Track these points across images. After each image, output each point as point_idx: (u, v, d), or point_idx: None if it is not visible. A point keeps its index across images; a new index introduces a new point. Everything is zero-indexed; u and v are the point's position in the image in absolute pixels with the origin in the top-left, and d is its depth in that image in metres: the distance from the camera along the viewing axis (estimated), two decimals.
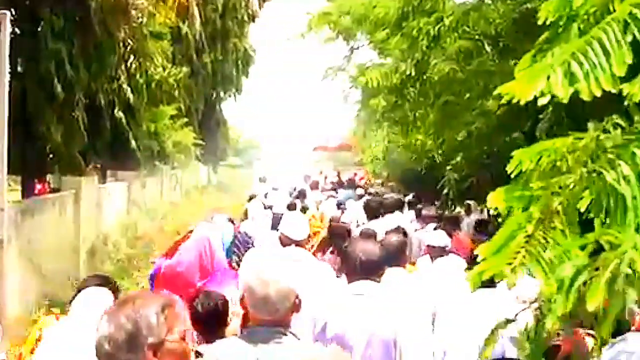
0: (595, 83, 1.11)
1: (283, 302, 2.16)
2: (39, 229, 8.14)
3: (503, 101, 1.17)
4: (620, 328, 2.41)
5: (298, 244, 4.45)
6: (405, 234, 5.80)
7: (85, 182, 10.09)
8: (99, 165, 13.68)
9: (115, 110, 12.67)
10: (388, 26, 6.49)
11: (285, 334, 2.16)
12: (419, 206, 10.26)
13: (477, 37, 5.66)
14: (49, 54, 8.71)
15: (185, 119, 18.62)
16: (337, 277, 4.40)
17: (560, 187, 1.20)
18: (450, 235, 5.97)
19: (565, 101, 1.12)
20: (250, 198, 11.16)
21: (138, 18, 11.35)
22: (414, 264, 5.60)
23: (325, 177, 21.39)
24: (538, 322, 1.41)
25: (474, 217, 9.24)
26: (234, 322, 3.37)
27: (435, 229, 6.75)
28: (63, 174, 10.25)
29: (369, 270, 3.01)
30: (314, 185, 15.38)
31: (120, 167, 14.18)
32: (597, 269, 1.04)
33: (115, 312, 1.64)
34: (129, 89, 12.68)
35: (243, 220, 8.89)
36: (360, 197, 12.66)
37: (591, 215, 1.16)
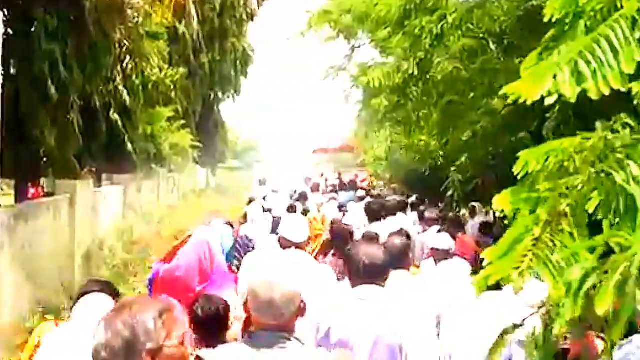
0: (603, 82, 1.11)
1: (288, 306, 2.16)
2: (32, 234, 8.14)
3: (509, 101, 1.17)
4: (630, 330, 2.41)
5: (298, 246, 4.47)
6: (408, 236, 5.81)
7: (80, 186, 10.09)
8: (94, 169, 13.69)
9: (111, 112, 12.68)
10: (390, 24, 6.49)
11: (290, 339, 2.16)
12: (422, 208, 10.26)
13: (481, 35, 5.66)
14: (42, 55, 8.73)
15: (183, 121, 18.64)
16: (339, 280, 4.42)
17: (568, 189, 1.20)
18: (453, 238, 5.97)
19: (572, 101, 1.12)
20: (250, 201, 11.17)
21: (134, 18, 11.38)
22: (417, 266, 5.60)
23: (326, 180, 21.40)
24: (546, 327, 1.41)
25: (479, 219, 9.24)
26: (235, 326, 3.38)
27: (439, 231, 6.75)
28: (57, 178, 10.25)
29: (373, 274, 3.02)
30: (315, 188, 15.40)
31: (116, 171, 14.18)
32: (606, 272, 1.04)
33: (112, 319, 1.65)
34: (124, 90, 12.70)
35: (242, 223, 8.90)
36: (362, 199, 12.67)
37: (600, 217, 1.16)
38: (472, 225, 9.17)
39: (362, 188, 16.89)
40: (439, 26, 5.19)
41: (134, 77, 12.88)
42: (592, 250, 1.10)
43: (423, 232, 7.80)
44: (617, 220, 1.14)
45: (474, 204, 9.62)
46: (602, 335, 2.30)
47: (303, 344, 2.22)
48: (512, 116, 5.66)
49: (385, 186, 19.71)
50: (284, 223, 4.78)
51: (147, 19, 12.18)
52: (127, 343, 1.59)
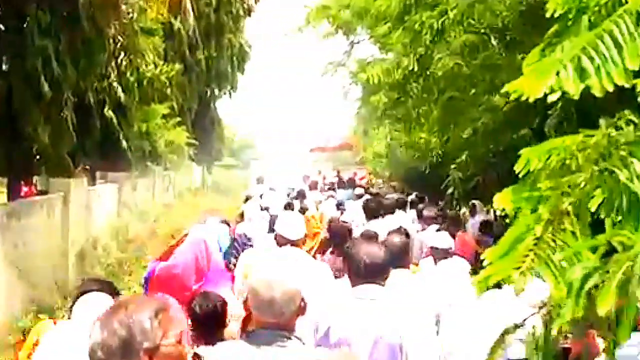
0: (607, 78, 1.11)
1: (288, 304, 2.17)
2: (25, 232, 8.14)
3: (511, 98, 1.17)
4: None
5: (294, 243, 4.54)
6: (407, 234, 5.82)
7: (74, 184, 10.08)
8: (88, 167, 13.67)
9: (105, 110, 12.67)
10: (390, 20, 6.50)
11: (290, 338, 2.17)
12: (420, 206, 10.28)
13: (482, 30, 5.67)
14: (35, 51, 8.71)
15: (178, 118, 18.61)
16: (337, 277, 4.46)
17: (570, 187, 1.19)
18: (453, 236, 5.99)
19: (576, 98, 1.12)
20: (247, 199, 11.17)
21: (128, 13, 11.38)
22: (416, 264, 5.62)
23: (324, 177, 21.41)
24: (547, 327, 1.41)
25: (479, 217, 9.25)
26: (231, 324, 3.41)
27: (438, 230, 6.76)
28: (51, 176, 10.24)
29: (374, 273, 3.03)
30: (313, 186, 15.41)
31: (111, 168, 14.17)
32: (608, 272, 1.04)
33: (107, 318, 1.65)
34: (119, 87, 12.69)
35: (239, 222, 8.91)
36: (360, 196, 12.68)
37: (602, 215, 1.16)
38: (472, 224, 9.18)
39: (360, 186, 16.90)
40: (440, 21, 5.19)
41: (128, 73, 12.87)
42: (594, 249, 1.10)
43: (422, 230, 7.81)
44: (619, 218, 1.14)
45: (474, 202, 9.63)
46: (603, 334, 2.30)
47: (303, 343, 2.23)
48: (513, 113, 5.67)
49: (384, 184, 19.72)
50: (280, 220, 4.86)
51: (142, 14, 12.18)
52: (123, 342, 1.60)
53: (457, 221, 8.44)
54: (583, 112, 3.96)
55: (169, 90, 15.48)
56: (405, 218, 8.46)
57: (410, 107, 7.38)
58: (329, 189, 16.18)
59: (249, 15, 25.80)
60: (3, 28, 8.63)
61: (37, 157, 9.78)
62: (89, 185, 12.06)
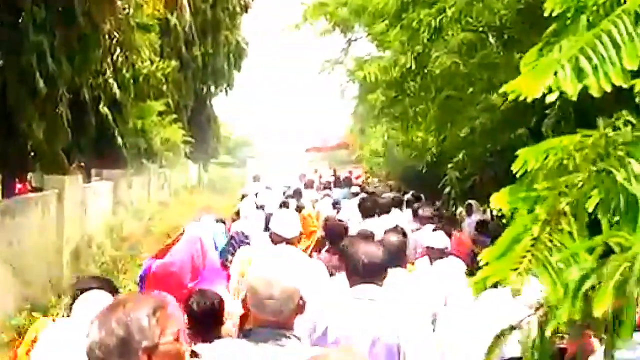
0: (604, 78, 1.11)
1: (287, 303, 2.17)
2: (20, 230, 8.12)
3: (510, 98, 1.17)
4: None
5: (289, 241, 4.57)
6: (404, 233, 5.83)
7: (68, 181, 10.07)
8: (83, 164, 13.64)
9: (101, 106, 12.63)
10: (387, 17, 6.50)
11: (288, 337, 2.17)
12: (416, 205, 10.30)
13: (480, 28, 5.67)
14: (30, 47, 8.67)
15: (174, 115, 18.58)
16: (332, 275, 4.48)
17: (567, 187, 1.19)
18: (449, 236, 6.00)
19: (574, 99, 1.12)
20: (243, 197, 11.17)
21: (124, 9, 11.34)
22: (412, 263, 5.64)
23: (320, 176, 21.42)
24: (542, 328, 1.41)
25: (476, 217, 9.26)
26: (226, 323, 3.43)
27: (434, 229, 6.77)
28: (45, 173, 10.22)
29: (372, 273, 3.03)
30: (309, 184, 15.43)
31: (106, 166, 14.15)
32: (605, 273, 1.04)
33: (105, 317, 1.66)
34: (114, 83, 12.64)
35: (235, 220, 8.91)
36: (355, 194, 12.69)
37: (599, 216, 1.16)
38: (469, 223, 9.20)
39: (357, 185, 16.92)
40: (438, 19, 5.19)
41: (124, 69, 12.83)
42: (591, 250, 1.10)
43: (417, 229, 7.82)
44: (616, 219, 1.14)
45: (470, 201, 9.65)
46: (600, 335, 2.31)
47: (301, 342, 2.23)
48: (511, 112, 5.67)
49: (379, 183, 19.75)
50: (274, 218, 4.90)
51: (137, 10, 12.14)
52: (121, 341, 1.61)
53: (453, 221, 8.45)
54: (581, 112, 3.97)
55: (164, 87, 15.44)
56: (401, 217, 8.47)
57: (408, 105, 7.39)
58: (325, 187, 16.20)
59: (246, 11, 25.76)
60: None
61: (32, 153, 9.75)
62: (83, 182, 12.04)
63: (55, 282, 8.72)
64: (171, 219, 15.17)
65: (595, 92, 1.11)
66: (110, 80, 12.53)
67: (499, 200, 1.30)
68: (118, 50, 12.32)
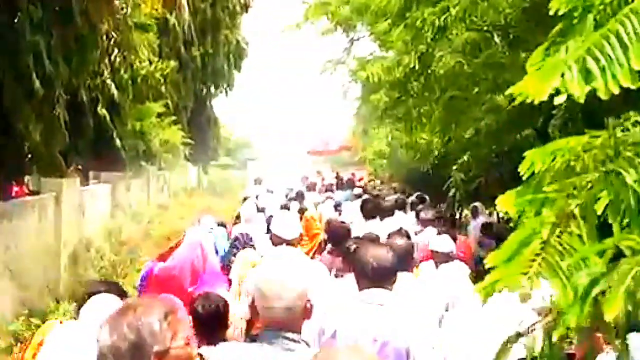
0: (612, 80, 1.11)
1: (295, 305, 2.19)
2: (17, 233, 8.12)
3: (518, 100, 1.17)
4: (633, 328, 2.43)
5: (289, 243, 4.61)
6: (408, 236, 5.83)
7: (66, 184, 10.06)
8: (81, 166, 13.65)
9: (99, 108, 12.64)
10: (390, 16, 6.50)
11: (297, 342, 2.19)
12: (419, 208, 10.29)
13: (485, 27, 5.67)
14: (27, 47, 8.68)
15: (173, 117, 18.57)
16: (336, 277, 4.53)
17: (575, 189, 1.19)
18: (454, 239, 6.00)
19: (581, 101, 1.12)
20: (244, 200, 11.18)
21: (122, 8, 11.35)
22: (417, 266, 5.64)
23: (323, 179, 21.41)
24: (549, 334, 1.40)
25: (481, 219, 9.26)
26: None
27: (439, 233, 6.76)
28: (43, 176, 10.22)
29: (381, 277, 3.03)
30: (312, 186, 15.43)
31: (104, 168, 14.15)
32: (615, 277, 1.04)
33: (116, 321, 1.68)
34: (112, 84, 12.65)
35: (236, 223, 8.90)
36: (358, 196, 12.69)
37: (609, 218, 1.15)
38: (474, 226, 9.19)
39: (359, 186, 16.91)
40: (442, 18, 5.18)
41: (122, 70, 12.84)
42: (601, 253, 1.10)
43: (419, 232, 7.81)
44: (627, 221, 1.14)
45: (476, 204, 9.64)
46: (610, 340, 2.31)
47: (309, 346, 2.25)
48: (517, 113, 5.66)
49: (382, 185, 19.73)
50: (275, 220, 4.95)
51: (136, 9, 12.15)
52: (133, 346, 1.64)
53: (455, 223, 8.44)
54: (588, 113, 3.96)
55: (163, 88, 15.44)
56: (405, 219, 8.46)
57: (411, 106, 7.38)
58: (327, 189, 16.20)
59: (246, 11, 25.77)
60: None
61: (29, 156, 9.76)
62: (81, 185, 12.04)
63: (53, 287, 8.72)
64: (171, 222, 15.16)
65: (603, 95, 1.11)
66: (108, 81, 12.54)
67: (505, 203, 1.31)
68: (116, 50, 12.33)
